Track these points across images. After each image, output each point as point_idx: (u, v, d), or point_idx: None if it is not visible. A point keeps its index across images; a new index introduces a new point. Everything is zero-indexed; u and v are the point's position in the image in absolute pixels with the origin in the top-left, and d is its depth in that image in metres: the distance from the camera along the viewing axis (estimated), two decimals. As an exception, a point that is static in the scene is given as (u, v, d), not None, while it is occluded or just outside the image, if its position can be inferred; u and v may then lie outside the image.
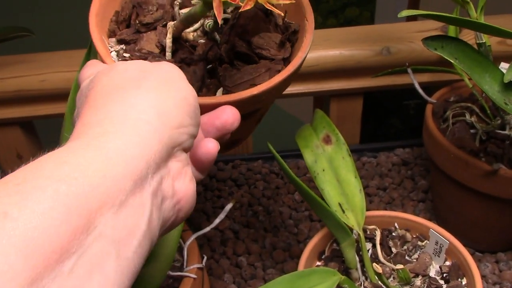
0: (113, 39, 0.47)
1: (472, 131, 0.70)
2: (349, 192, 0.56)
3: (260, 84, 0.43)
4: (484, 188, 0.65)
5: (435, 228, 0.58)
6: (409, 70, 0.72)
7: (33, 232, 0.22)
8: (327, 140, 0.58)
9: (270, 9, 0.40)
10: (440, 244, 0.56)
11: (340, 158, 0.57)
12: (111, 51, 0.46)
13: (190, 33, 0.47)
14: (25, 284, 0.21)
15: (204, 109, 0.38)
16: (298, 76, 0.78)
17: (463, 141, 0.68)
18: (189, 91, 0.33)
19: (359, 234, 0.55)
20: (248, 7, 0.38)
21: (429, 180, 0.83)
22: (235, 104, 0.40)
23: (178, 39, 0.46)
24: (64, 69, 0.78)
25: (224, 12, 0.48)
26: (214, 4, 0.37)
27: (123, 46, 0.46)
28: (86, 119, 0.30)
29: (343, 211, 0.55)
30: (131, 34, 0.47)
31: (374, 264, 0.51)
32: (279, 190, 0.85)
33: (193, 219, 0.57)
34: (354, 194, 0.56)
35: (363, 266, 0.57)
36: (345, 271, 0.57)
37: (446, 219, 0.76)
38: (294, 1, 0.41)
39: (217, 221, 0.56)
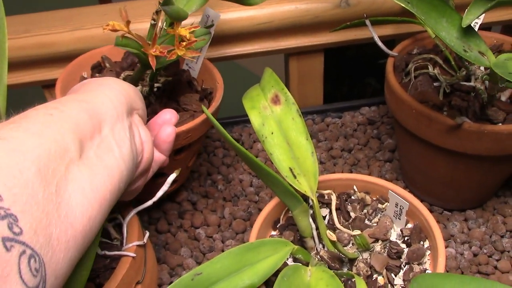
0: None
1: (435, 84, 0.66)
2: (300, 155, 0.52)
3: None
4: (449, 145, 0.61)
5: (394, 189, 0.54)
6: (368, 22, 0.67)
7: (76, 119, 0.38)
8: (275, 101, 0.53)
9: (191, 79, 0.68)
10: (400, 206, 0.52)
11: (290, 119, 0.52)
12: None
13: None
14: (77, 145, 0.36)
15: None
16: (254, 35, 0.75)
17: (425, 95, 0.63)
18: (129, 85, 0.48)
19: (313, 200, 0.51)
20: (173, 58, 0.53)
21: (396, 138, 0.79)
22: None
23: None
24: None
25: (157, 82, 0.67)
26: (150, 58, 0.53)
27: None
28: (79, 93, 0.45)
29: (295, 176, 0.51)
30: None
31: (328, 231, 0.47)
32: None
33: (140, 193, 0.53)
34: (306, 158, 0.51)
35: (319, 233, 0.53)
36: (300, 239, 0.53)
37: (413, 179, 0.73)
38: (194, 60, 0.66)
39: (159, 193, 0.52)
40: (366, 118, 0.85)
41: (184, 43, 0.53)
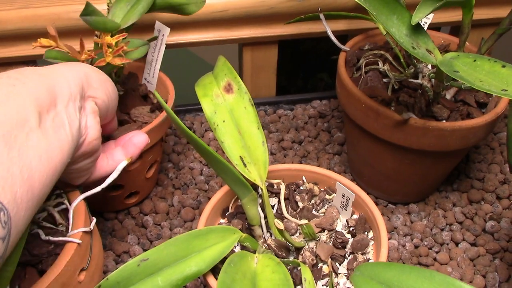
0: None
1: (385, 80, 0.68)
2: (251, 144, 0.52)
3: None
4: (395, 139, 0.63)
5: (341, 181, 0.55)
6: (322, 16, 0.68)
7: (36, 91, 0.40)
8: (228, 89, 0.53)
9: (147, 93, 0.71)
10: (347, 197, 0.53)
11: (242, 108, 0.52)
12: None
13: None
14: (36, 117, 0.39)
15: None
16: (208, 23, 0.75)
17: (375, 90, 0.65)
18: (99, 74, 0.50)
19: (262, 189, 0.52)
20: (102, 64, 0.56)
21: (345, 132, 0.81)
22: None
23: None
24: None
25: None
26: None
27: None
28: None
29: (245, 165, 0.51)
30: None
31: (276, 220, 0.48)
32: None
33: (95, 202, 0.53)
34: (257, 147, 0.52)
35: (267, 222, 0.54)
36: (249, 228, 0.54)
37: (360, 172, 0.74)
38: (125, 65, 0.63)
39: (108, 180, 0.51)
40: (317, 111, 0.87)
41: (110, 50, 0.56)
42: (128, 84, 0.71)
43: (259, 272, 0.43)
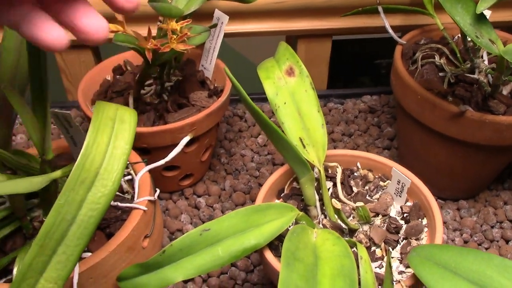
0: (94, 105, 0.67)
1: (441, 74, 0.68)
2: (310, 126, 0.53)
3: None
4: (450, 132, 0.63)
5: (397, 168, 0.56)
6: (380, 9, 0.69)
7: None
8: (290, 72, 0.55)
9: (204, 79, 0.73)
10: (402, 183, 0.54)
11: (303, 91, 0.54)
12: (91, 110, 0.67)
13: (147, 96, 0.70)
14: None
15: (151, 135, 0.62)
16: (265, 13, 0.77)
17: (431, 83, 0.65)
18: None
19: (319, 171, 0.53)
20: (167, 50, 0.57)
21: (395, 127, 0.81)
22: (174, 130, 0.62)
23: (138, 100, 0.68)
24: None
25: (169, 80, 0.72)
26: (146, 52, 0.57)
27: None
28: None
29: (304, 146, 0.53)
30: (107, 100, 0.68)
31: (333, 199, 0.49)
32: (242, 133, 0.82)
33: (158, 184, 0.56)
34: (316, 129, 0.53)
35: (322, 204, 0.55)
36: (304, 209, 0.55)
37: (411, 166, 0.74)
38: (188, 51, 0.62)
39: (172, 154, 0.53)
40: (368, 106, 0.87)
41: (175, 37, 0.57)
42: (185, 70, 0.74)
43: (319, 244, 0.44)
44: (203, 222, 0.69)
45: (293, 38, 0.85)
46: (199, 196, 0.73)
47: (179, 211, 0.70)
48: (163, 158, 0.53)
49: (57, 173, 0.43)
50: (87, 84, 0.70)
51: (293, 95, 0.54)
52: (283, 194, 0.58)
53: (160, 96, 0.69)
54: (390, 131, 0.82)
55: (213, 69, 0.73)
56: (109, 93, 0.70)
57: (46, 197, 0.44)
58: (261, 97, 0.86)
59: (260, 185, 0.74)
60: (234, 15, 0.77)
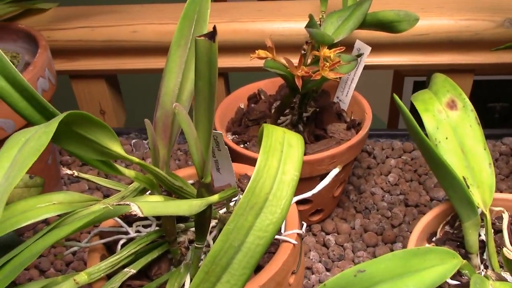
0: (229, 133, 0.69)
1: None
2: (475, 165, 0.48)
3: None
4: None
5: None
6: (541, 42, 0.63)
7: None
8: (451, 105, 0.50)
9: (340, 111, 0.69)
10: None
11: (467, 126, 0.49)
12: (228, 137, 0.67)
13: (283, 126, 0.65)
14: None
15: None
16: (405, 45, 0.73)
17: None
18: None
19: (485, 215, 0.48)
20: (317, 78, 0.56)
21: (545, 173, 0.74)
22: (314, 162, 0.60)
23: None
24: (155, 21, 0.74)
25: (306, 111, 0.69)
26: (296, 79, 0.56)
27: (236, 135, 0.68)
28: None
29: (468, 187, 0.48)
30: (242, 128, 0.69)
31: (505, 249, 0.44)
32: (371, 170, 0.78)
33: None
34: (482, 169, 0.48)
35: (482, 253, 0.49)
36: (463, 256, 0.49)
37: None
38: (339, 80, 0.65)
39: (319, 187, 0.50)
40: (510, 148, 0.80)
41: (327, 64, 0.56)
42: (320, 101, 0.71)
43: (502, 299, 0.39)
44: (333, 262, 0.65)
45: (429, 72, 0.81)
46: (327, 234, 0.69)
47: (307, 248, 0.67)
48: (300, 191, 0.51)
49: (214, 197, 0.41)
50: (223, 112, 0.69)
51: (455, 129, 0.50)
52: (435, 238, 0.53)
53: (296, 126, 0.67)
54: (537, 177, 0.74)
55: (350, 101, 0.70)
56: (244, 121, 0.69)
57: (201, 222, 0.42)
58: (389, 134, 0.82)
59: (393, 226, 0.69)
60: (374, 47, 0.74)
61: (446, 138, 0.49)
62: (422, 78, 1.26)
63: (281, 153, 0.37)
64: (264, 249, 0.35)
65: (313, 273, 0.64)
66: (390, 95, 1.27)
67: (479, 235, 0.49)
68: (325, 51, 0.56)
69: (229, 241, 0.34)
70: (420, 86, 1.29)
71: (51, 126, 0.33)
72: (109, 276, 0.44)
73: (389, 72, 1.36)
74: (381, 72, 0.83)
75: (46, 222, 0.70)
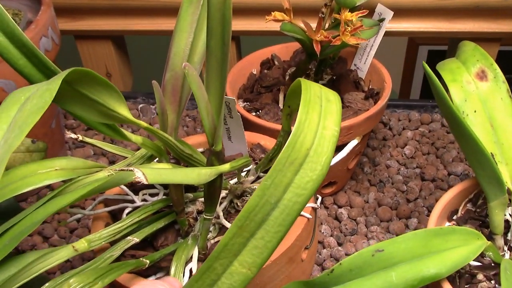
0: (241, 100, 0.65)
1: None
2: (505, 141, 0.45)
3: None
4: None
5: None
6: None
7: None
8: (481, 76, 0.47)
9: (358, 79, 0.66)
10: None
11: (498, 99, 0.46)
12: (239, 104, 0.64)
13: None
14: None
15: None
16: (430, 11, 0.69)
17: None
18: None
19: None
20: (337, 43, 0.52)
21: None
22: None
23: None
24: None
25: (322, 79, 0.66)
26: (314, 43, 0.53)
27: (247, 103, 0.65)
28: None
29: (496, 164, 0.45)
30: (254, 95, 0.65)
31: (533, 231, 0.41)
32: (386, 141, 0.75)
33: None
34: (512, 145, 0.45)
35: (506, 233, 0.47)
36: (486, 237, 0.47)
37: None
38: (358, 46, 0.64)
39: (337, 158, 0.48)
40: (533, 123, 0.77)
41: (349, 29, 0.52)
42: (336, 68, 0.68)
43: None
44: (345, 236, 0.63)
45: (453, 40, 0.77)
46: (340, 207, 0.66)
47: (318, 221, 0.64)
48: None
49: (225, 167, 0.39)
50: (234, 78, 0.66)
51: (484, 102, 0.46)
52: (456, 216, 0.50)
53: None
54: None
55: (368, 70, 0.66)
56: (256, 87, 0.65)
57: (211, 192, 0.39)
58: (408, 104, 0.79)
59: (408, 200, 0.67)
60: (396, 12, 0.70)
61: (475, 111, 0.46)
62: (438, 47, 1.22)
63: (321, 108, 0.34)
64: (301, 208, 0.32)
65: (324, 248, 0.62)
66: (403, 64, 1.23)
67: (504, 215, 0.46)
68: (347, 15, 0.52)
69: (265, 197, 0.32)
70: (435, 55, 1.24)
71: (54, 83, 0.30)
72: (112, 245, 0.42)
73: (403, 39, 1.31)
74: (394, 39, 0.78)
75: (50, 187, 0.68)
